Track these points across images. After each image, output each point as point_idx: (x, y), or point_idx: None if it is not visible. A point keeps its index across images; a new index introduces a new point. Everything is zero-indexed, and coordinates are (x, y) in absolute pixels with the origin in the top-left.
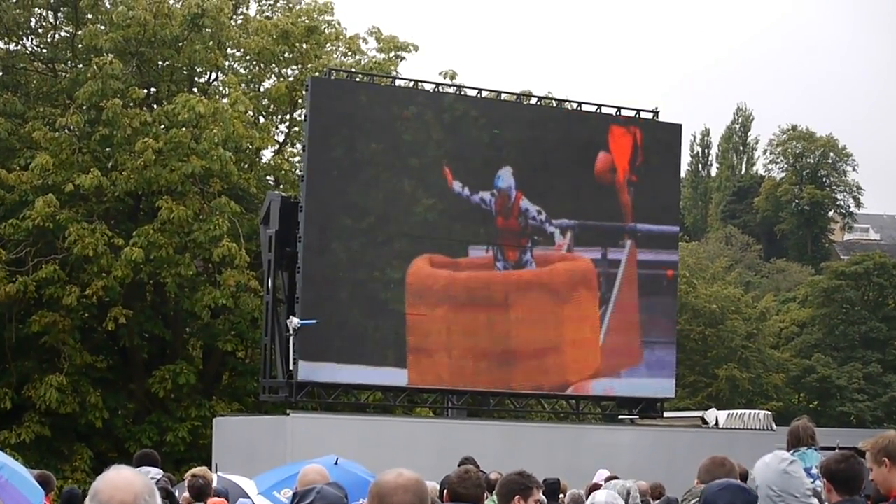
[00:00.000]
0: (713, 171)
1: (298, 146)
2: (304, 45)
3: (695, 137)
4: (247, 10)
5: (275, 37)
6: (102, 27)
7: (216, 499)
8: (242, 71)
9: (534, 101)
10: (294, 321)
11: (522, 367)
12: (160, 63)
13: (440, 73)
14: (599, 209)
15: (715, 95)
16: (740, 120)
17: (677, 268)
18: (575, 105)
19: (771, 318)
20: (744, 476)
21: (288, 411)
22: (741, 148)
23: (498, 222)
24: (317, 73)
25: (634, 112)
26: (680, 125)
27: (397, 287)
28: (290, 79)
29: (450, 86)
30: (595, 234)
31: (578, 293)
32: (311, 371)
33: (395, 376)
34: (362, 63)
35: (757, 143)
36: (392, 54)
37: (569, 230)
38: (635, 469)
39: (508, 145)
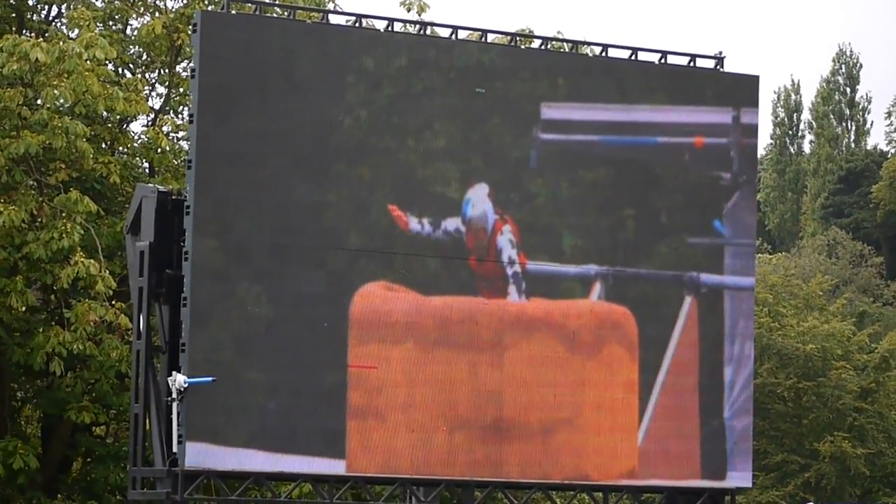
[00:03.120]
0: (807, 147)
1: (184, 115)
2: None
3: (778, 96)
4: None
5: None
6: None
7: None
8: (98, 3)
9: (536, 43)
10: (179, 379)
11: (521, 444)
12: None
13: (402, 4)
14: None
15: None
16: (843, 70)
17: (752, 294)
18: (599, 50)
19: None
20: None
21: None
22: (847, 111)
23: (471, 264)
24: (210, 6)
25: (688, 59)
26: (756, 77)
27: (335, 324)
28: (171, 14)
29: (414, 23)
30: (638, 283)
31: (609, 349)
32: (204, 454)
33: (329, 460)
34: None
35: (870, 102)
36: None
37: (597, 280)
38: None
39: (496, 120)
